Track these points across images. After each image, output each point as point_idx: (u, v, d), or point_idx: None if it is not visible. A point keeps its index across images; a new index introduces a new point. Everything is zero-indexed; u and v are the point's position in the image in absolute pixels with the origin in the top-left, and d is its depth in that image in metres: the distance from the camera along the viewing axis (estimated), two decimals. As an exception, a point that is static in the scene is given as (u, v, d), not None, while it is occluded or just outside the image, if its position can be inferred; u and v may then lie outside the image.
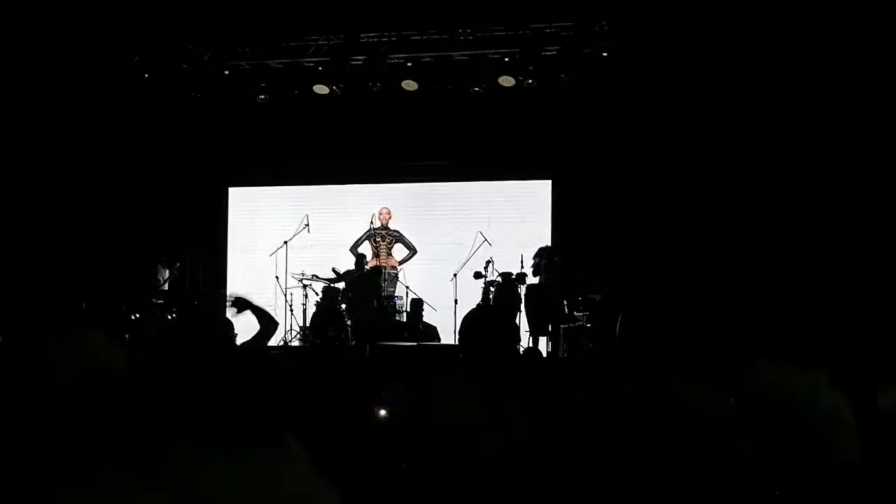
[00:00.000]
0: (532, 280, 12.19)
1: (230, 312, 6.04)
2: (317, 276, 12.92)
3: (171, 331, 12.10)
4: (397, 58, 12.85)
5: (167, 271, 13.22)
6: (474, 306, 11.15)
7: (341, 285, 12.89)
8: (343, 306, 12.34)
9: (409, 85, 12.93)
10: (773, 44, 11.20)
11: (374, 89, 13.07)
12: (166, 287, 13.11)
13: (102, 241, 12.98)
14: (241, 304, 5.95)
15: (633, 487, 2.98)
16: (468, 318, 3.57)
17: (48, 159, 12.91)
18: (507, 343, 3.52)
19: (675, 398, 3.10)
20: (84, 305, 5.36)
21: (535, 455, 3.15)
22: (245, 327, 6.23)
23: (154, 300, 12.44)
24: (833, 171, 11.19)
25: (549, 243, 13.27)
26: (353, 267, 13.16)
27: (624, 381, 3.26)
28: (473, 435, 3.12)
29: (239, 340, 5.91)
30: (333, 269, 13.02)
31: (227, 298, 6.26)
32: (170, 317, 12.46)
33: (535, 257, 12.31)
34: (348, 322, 11.96)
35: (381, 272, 13.14)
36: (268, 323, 5.93)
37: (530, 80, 12.65)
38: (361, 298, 12.45)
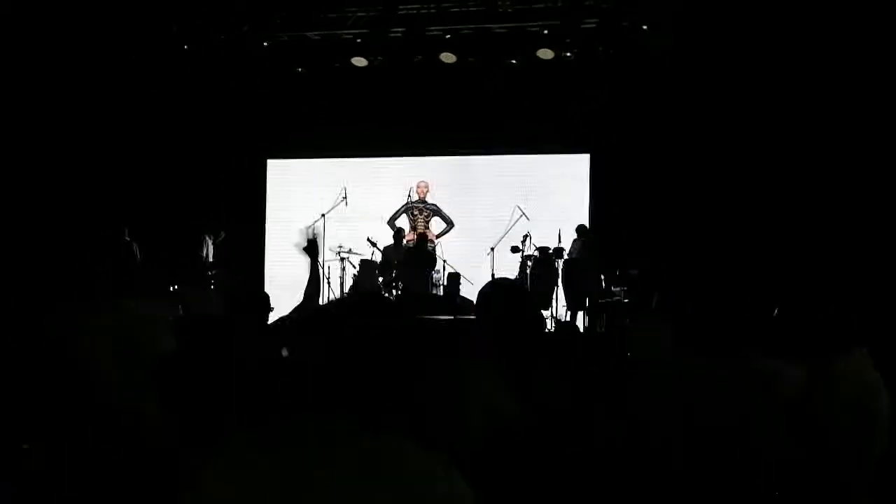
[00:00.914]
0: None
1: (296, 247, 5.83)
2: (372, 242, 12.91)
3: (211, 303, 12.23)
4: (436, 30, 12.76)
5: (212, 243, 13.31)
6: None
7: (378, 258, 12.90)
8: (380, 279, 12.38)
9: (448, 57, 12.85)
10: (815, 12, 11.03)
11: (413, 62, 12.99)
12: (211, 258, 13.22)
13: (143, 213, 13.06)
14: (312, 249, 5.71)
15: (656, 465, 2.96)
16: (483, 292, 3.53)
17: (89, 131, 13.02)
18: (527, 318, 3.47)
19: (701, 376, 3.06)
20: (108, 275, 5.29)
21: (561, 431, 3.13)
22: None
23: (201, 271, 12.56)
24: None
25: (587, 218, 13.22)
26: (391, 241, 13.16)
27: (647, 361, 3.23)
28: (506, 415, 3.10)
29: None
30: (368, 239, 12.98)
31: (307, 234, 5.98)
32: (211, 288, 12.58)
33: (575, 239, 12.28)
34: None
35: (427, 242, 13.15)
36: (315, 288, 5.66)
37: (569, 53, 12.53)
38: (416, 271, 12.42)
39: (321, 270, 5.77)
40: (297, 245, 5.87)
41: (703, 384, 3.03)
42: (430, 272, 12.65)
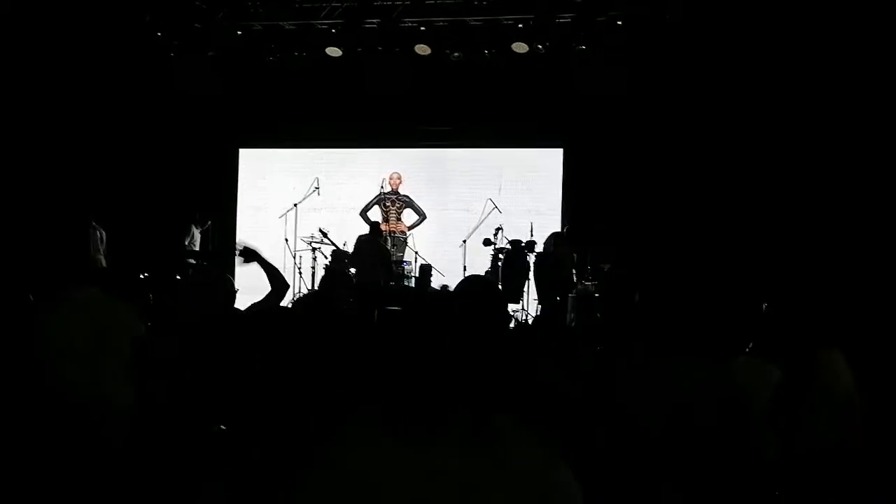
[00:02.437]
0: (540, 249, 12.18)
1: (237, 262, 5.75)
2: (325, 233, 12.81)
3: (181, 292, 12.15)
4: (411, 21, 12.74)
5: (198, 231, 13.24)
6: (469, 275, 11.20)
7: (350, 249, 12.88)
8: (352, 270, 12.37)
9: (423, 49, 12.83)
10: (787, 9, 11.10)
11: (387, 53, 12.96)
12: (197, 247, 13.16)
13: (114, 201, 12.95)
14: (250, 255, 5.60)
15: (649, 466, 2.99)
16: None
17: (61, 120, 12.87)
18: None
19: (693, 378, 3.10)
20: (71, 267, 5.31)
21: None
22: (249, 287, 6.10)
23: (179, 259, 12.53)
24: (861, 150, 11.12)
25: (560, 211, 13.28)
26: (367, 231, 13.13)
27: (642, 359, 3.26)
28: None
29: (243, 300, 5.54)
30: (320, 230, 12.92)
31: (237, 246, 5.91)
32: (178, 278, 12.50)
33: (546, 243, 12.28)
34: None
35: (381, 232, 13.09)
36: (278, 282, 5.54)
37: (543, 47, 12.54)
38: (367, 260, 12.36)
39: (276, 268, 5.65)
40: (238, 261, 5.77)
41: (685, 383, 3.07)
42: (385, 262, 12.53)
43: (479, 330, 2.10)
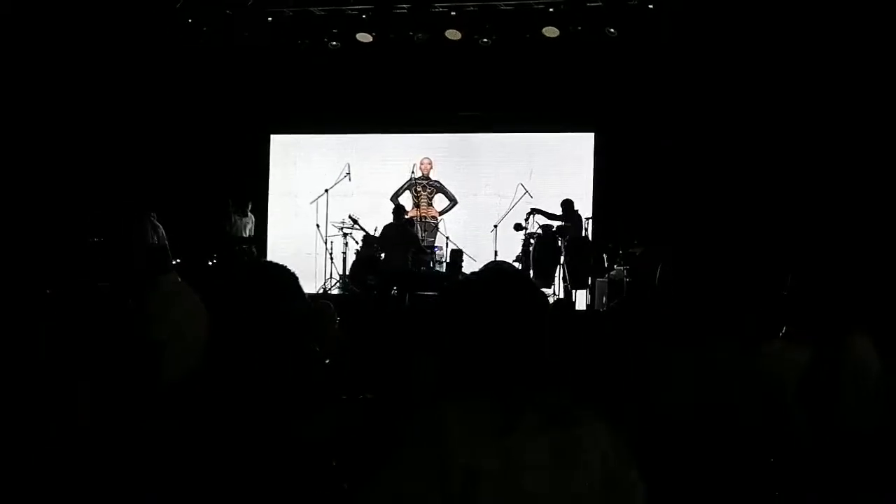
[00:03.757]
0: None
1: None
2: (355, 220, 12.84)
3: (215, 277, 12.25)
4: (441, 6, 12.72)
5: (240, 218, 13.28)
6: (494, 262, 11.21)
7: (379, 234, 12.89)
8: (382, 256, 12.39)
9: (453, 34, 12.81)
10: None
11: (417, 38, 12.96)
12: (245, 233, 13.23)
13: (149, 191, 13.07)
14: None
15: (673, 445, 2.99)
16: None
17: (96, 112, 13.01)
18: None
19: (722, 363, 3.09)
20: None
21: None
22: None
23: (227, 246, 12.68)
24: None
25: (591, 196, 13.25)
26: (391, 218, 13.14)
27: (668, 344, 3.25)
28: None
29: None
30: (350, 217, 12.96)
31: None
32: (210, 263, 12.59)
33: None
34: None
35: (404, 217, 13.05)
36: None
37: (574, 31, 12.48)
38: (394, 247, 12.36)
39: None
40: None
41: (716, 367, 3.07)
42: (413, 248, 12.51)
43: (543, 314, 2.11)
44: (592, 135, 13.69)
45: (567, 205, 12.23)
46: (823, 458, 3.25)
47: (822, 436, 3.26)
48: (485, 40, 12.80)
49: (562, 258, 11.96)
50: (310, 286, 11.83)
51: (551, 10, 12.46)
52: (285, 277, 2.58)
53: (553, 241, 12.04)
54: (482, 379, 2.02)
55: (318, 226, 13.02)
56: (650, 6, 11.98)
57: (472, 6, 12.69)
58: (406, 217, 13.14)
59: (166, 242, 11.81)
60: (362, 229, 12.83)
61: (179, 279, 5.31)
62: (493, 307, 2.08)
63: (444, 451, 1.95)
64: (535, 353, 2.05)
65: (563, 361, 2.18)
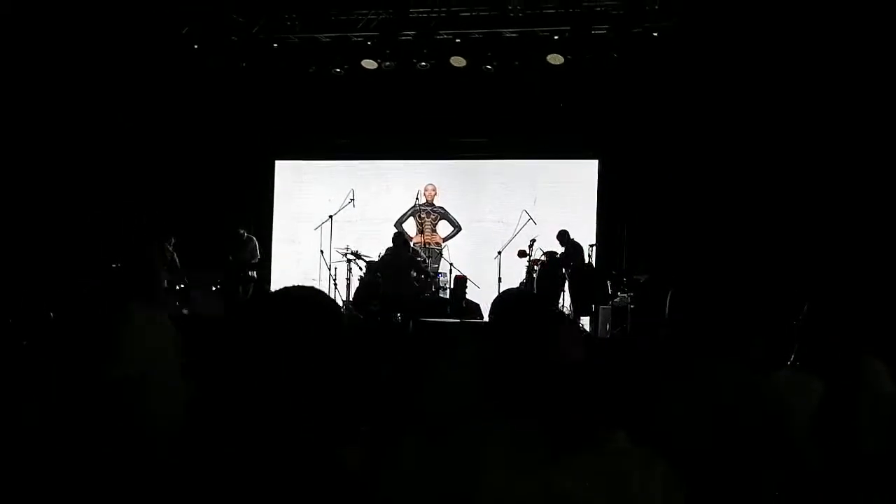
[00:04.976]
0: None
1: None
2: (357, 254, 12.83)
3: (215, 302, 12.25)
4: (446, 34, 12.77)
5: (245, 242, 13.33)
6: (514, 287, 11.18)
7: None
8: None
9: (458, 61, 12.86)
10: (817, 24, 11.02)
11: (423, 65, 13.01)
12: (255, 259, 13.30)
13: (155, 212, 13.11)
14: None
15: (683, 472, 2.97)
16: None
17: (99, 132, 13.05)
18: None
19: (728, 385, 3.08)
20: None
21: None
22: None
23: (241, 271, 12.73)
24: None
25: (595, 223, 13.26)
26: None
27: (675, 366, 3.24)
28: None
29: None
30: (351, 252, 12.81)
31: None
32: (213, 288, 12.60)
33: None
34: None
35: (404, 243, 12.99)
36: None
37: (578, 59, 12.51)
38: (394, 272, 12.33)
39: None
40: None
41: (730, 393, 3.05)
42: (415, 275, 12.49)
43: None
44: (596, 161, 13.73)
45: (562, 235, 12.27)
46: (840, 489, 3.23)
47: (838, 467, 3.24)
48: (489, 67, 12.85)
49: (565, 285, 11.96)
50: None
51: (556, 37, 12.50)
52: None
53: (556, 269, 12.04)
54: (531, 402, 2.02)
55: (321, 252, 13.02)
56: (654, 34, 12.02)
57: (478, 33, 12.73)
58: (411, 243, 13.17)
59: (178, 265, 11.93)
60: (364, 261, 12.82)
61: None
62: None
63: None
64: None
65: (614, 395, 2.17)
